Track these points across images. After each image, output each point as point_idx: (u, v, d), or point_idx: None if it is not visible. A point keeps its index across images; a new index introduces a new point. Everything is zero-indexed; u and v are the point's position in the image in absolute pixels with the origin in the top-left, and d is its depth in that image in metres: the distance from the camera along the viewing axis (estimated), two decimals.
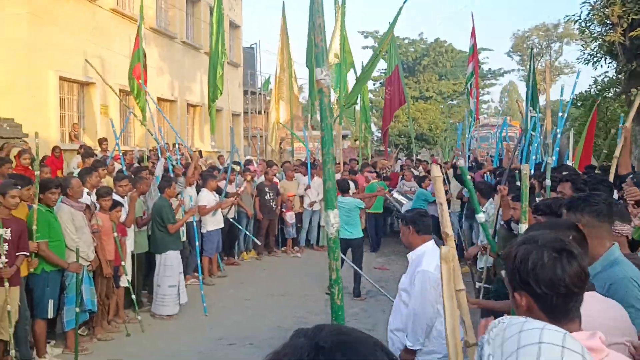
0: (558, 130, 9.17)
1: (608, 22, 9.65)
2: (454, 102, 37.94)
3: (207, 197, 8.89)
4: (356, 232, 8.43)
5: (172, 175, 8.35)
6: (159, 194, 7.48)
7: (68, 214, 5.81)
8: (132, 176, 7.68)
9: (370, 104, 22.73)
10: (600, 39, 10.20)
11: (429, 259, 3.60)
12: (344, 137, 26.06)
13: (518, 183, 5.99)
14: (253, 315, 7.33)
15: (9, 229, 5.19)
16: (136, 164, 10.26)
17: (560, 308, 1.48)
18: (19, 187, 5.36)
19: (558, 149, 9.32)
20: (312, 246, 11.70)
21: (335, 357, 0.86)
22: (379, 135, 34.52)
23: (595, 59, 11.20)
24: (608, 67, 11.94)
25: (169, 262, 7.15)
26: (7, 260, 5.09)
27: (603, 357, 1.38)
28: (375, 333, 6.62)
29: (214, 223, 9.04)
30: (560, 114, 8.50)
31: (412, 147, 17.10)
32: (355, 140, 29.89)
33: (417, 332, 3.54)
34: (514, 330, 1.19)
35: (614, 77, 11.72)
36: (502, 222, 5.76)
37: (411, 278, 3.67)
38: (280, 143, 29.22)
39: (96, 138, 13.43)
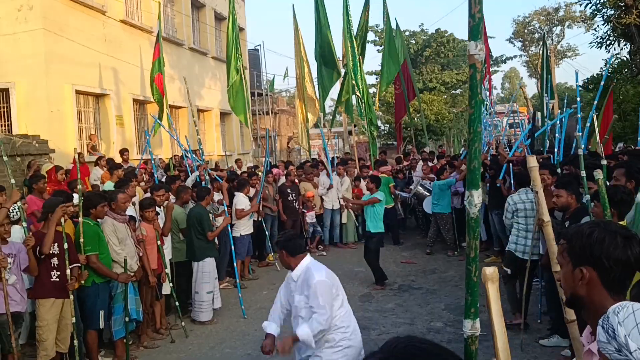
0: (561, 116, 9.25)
1: (622, 4, 9.67)
2: (457, 91, 37.93)
3: (243, 202, 9.04)
4: (373, 227, 8.62)
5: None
6: (196, 203, 7.56)
7: (111, 227, 5.93)
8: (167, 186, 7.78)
9: (373, 98, 22.80)
10: (614, 22, 10.24)
11: (316, 270, 3.84)
12: (350, 132, 26.15)
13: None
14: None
15: (56, 244, 5.32)
16: (160, 172, 10.36)
17: (619, 282, 1.73)
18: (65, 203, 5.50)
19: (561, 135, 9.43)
20: (337, 244, 11.80)
21: None
22: (385, 129, 34.64)
23: (607, 41, 11.22)
24: (622, 49, 11.98)
25: (207, 269, 7.26)
26: (58, 273, 5.23)
27: None
28: (415, 327, 6.74)
29: (246, 228, 9.20)
30: (578, 99, 8.57)
31: (425, 139, 17.11)
32: (361, 135, 29.99)
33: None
34: None
35: (627, 59, 11.75)
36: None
37: (310, 292, 3.77)
38: (288, 142, 29.38)
39: (112, 149, 13.58)
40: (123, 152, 11.88)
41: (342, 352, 3.90)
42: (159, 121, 11.35)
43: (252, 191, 9.83)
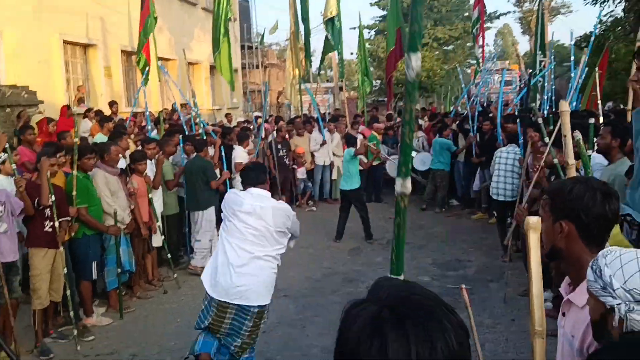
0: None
1: None
2: (450, 47, 37.55)
3: (243, 155, 9.15)
4: (350, 184, 8.79)
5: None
6: (195, 154, 7.69)
7: (103, 179, 5.95)
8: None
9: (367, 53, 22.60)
10: None
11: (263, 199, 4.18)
12: (340, 88, 25.95)
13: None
14: (281, 268, 7.54)
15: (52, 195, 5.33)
16: (151, 125, 10.28)
17: (597, 237, 1.84)
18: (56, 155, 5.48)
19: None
20: (326, 200, 11.91)
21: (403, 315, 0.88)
22: (376, 85, 34.38)
23: None
24: (616, 7, 11.91)
25: (212, 217, 7.46)
26: (52, 224, 5.26)
27: None
28: (405, 278, 6.88)
29: None
30: (572, 59, 8.61)
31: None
32: (352, 92, 29.80)
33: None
34: (631, 256, 1.44)
35: (621, 17, 11.69)
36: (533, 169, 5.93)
37: (288, 223, 4.18)
38: (278, 97, 29.15)
39: (100, 100, 13.41)
40: (112, 104, 11.76)
41: None
42: (167, 74, 10.97)
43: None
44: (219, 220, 5.76)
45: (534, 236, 1.89)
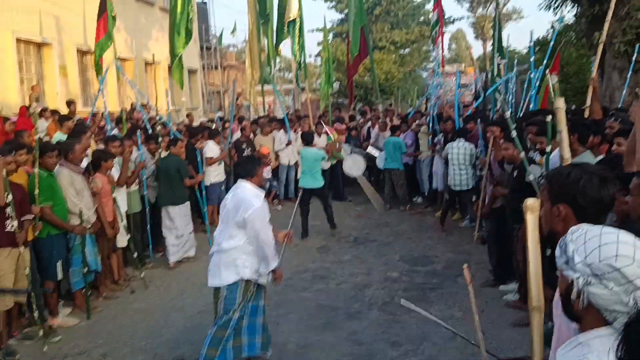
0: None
1: None
2: (406, 51, 38.12)
3: (214, 149, 9.33)
4: (318, 182, 8.98)
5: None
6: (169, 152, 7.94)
7: (68, 178, 5.78)
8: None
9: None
10: None
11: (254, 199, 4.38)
12: (302, 89, 25.99)
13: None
14: None
15: (10, 195, 5.14)
16: (111, 125, 10.05)
17: (593, 220, 1.84)
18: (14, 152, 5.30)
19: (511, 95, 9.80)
20: (291, 199, 11.89)
21: None
22: (336, 87, 34.56)
23: (556, 4, 11.56)
24: (569, 12, 12.38)
25: (186, 212, 7.77)
26: (14, 223, 5.07)
27: None
28: (372, 277, 6.96)
29: (217, 175, 9.48)
30: (532, 59, 8.90)
31: (378, 97, 17.24)
32: (310, 94, 29.84)
33: (274, 256, 4.44)
34: (595, 232, 1.48)
35: (573, 23, 12.16)
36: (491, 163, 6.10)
37: (243, 215, 4.28)
38: (237, 98, 28.95)
39: (57, 100, 13.04)
40: (70, 103, 11.44)
41: None
42: (125, 74, 10.75)
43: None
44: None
45: (531, 217, 1.94)
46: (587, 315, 1.52)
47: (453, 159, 8.45)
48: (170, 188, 7.63)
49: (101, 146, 7.51)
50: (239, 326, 4.46)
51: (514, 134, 5.04)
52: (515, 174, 5.63)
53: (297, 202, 6.45)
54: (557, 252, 1.56)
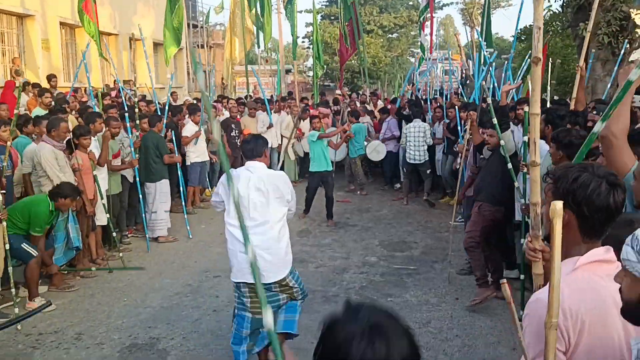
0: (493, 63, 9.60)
1: None
2: (394, 35, 37.96)
3: (191, 129, 9.23)
4: (321, 165, 8.91)
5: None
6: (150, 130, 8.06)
7: (51, 153, 5.73)
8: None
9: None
10: None
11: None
12: (287, 71, 25.84)
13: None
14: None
15: None
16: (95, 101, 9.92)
17: (596, 229, 1.78)
18: None
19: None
20: None
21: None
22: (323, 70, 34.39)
23: None
24: (555, 1, 12.40)
25: (165, 189, 7.93)
26: None
27: (614, 267, 1.66)
28: (350, 261, 7.02)
29: (197, 155, 9.40)
30: (512, 52, 8.98)
31: (367, 81, 17.22)
32: (298, 75, 29.67)
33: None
34: None
35: (558, 12, 12.15)
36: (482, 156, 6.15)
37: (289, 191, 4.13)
38: (222, 78, 28.72)
39: (38, 74, 12.82)
40: (51, 78, 11.26)
41: None
42: (103, 55, 10.59)
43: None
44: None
45: (559, 222, 1.61)
46: None
47: (410, 138, 9.72)
48: (148, 165, 7.77)
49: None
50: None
51: (494, 120, 5.07)
52: (492, 159, 5.71)
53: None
54: (631, 255, 1.39)
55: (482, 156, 6.23)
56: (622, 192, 1.77)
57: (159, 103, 8.86)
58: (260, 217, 3.95)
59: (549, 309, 1.56)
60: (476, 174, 6.36)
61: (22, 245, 5.41)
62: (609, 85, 9.05)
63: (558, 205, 1.45)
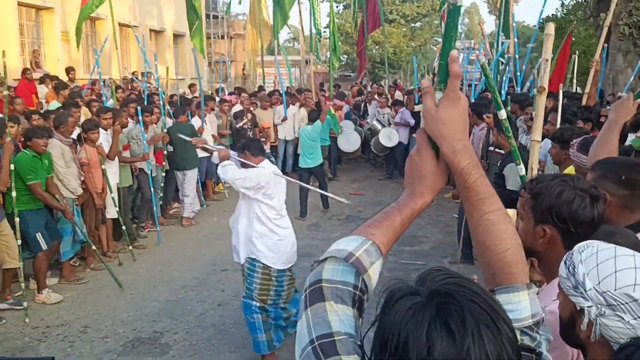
0: (517, 56, 9.39)
1: None
2: (417, 24, 37.53)
3: (196, 123, 9.16)
4: (316, 160, 8.97)
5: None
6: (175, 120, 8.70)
7: (59, 149, 5.79)
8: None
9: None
10: None
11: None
12: (307, 62, 25.74)
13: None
14: None
15: None
16: (109, 93, 10.03)
17: (579, 241, 1.66)
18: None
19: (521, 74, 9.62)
20: (288, 174, 11.87)
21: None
22: (343, 60, 34.22)
23: None
24: None
25: (194, 177, 8.61)
26: None
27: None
28: None
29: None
30: (532, 44, 8.77)
31: (386, 71, 17.07)
32: (318, 65, 29.58)
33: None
34: (608, 254, 1.29)
35: (582, 1, 11.89)
36: (492, 147, 6.02)
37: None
38: (244, 69, 28.77)
39: (57, 66, 12.99)
40: (69, 70, 11.41)
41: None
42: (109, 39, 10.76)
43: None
44: None
45: None
46: (592, 348, 1.34)
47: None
48: (185, 152, 8.26)
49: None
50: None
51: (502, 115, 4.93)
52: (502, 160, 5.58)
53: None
54: (563, 272, 1.37)
55: (493, 149, 6.10)
56: (604, 203, 1.74)
57: (163, 96, 8.86)
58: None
59: None
60: (486, 168, 6.25)
61: (37, 234, 5.50)
62: (631, 78, 8.82)
63: (510, 212, 1.39)
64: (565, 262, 1.37)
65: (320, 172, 9.16)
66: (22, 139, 5.65)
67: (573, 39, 14.57)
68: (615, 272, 1.25)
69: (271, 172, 4.39)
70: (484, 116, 6.21)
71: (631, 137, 4.50)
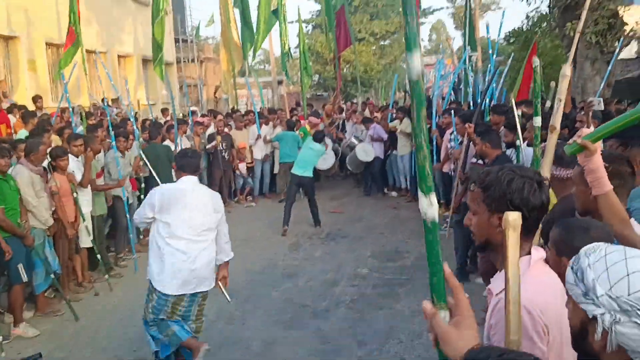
0: (490, 67, 9.53)
1: None
2: (386, 42, 37.97)
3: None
4: (309, 172, 9.03)
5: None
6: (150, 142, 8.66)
7: (28, 178, 5.61)
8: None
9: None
10: None
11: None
12: (279, 82, 25.81)
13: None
14: None
15: None
16: (78, 120, 9.84)
17: (532, 228, 1.83)
18: None
19: (494, 85, 9.73)
20: (265, 194, 11.79)
21: None
22: (315, 80, 34.40)
23: None
24: (542, 2, 12.40)
25: None
26: None
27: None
28: (341, 274, 6.90)
29: None
30: (491, 53, 8.93)
31: (358, 89, 17.25)
32: (291, 86, 29.68)
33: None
34: (618, 257, 1.24)
35: (546, 13, 12.18)
36: (474, 160, 6.02)
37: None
38: (215, 92, 28.69)
39: (25, 95, 12.74)
40: (36, 99, 11.20)
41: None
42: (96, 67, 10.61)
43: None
44: None
45: (514, 235, 1.46)
46: (609, 357, 1.25)
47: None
48: (167, 174, 7.94)
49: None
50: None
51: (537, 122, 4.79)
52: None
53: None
54: (570, 278, 1.30)
55: (475, 160, 6.10)
56: (547, 189, 1.83)
57: (135, 120, 8.78)
58: (200, 236, 4.32)
59: (507, 325, 1.42)
60: (464, 180, 6.25)
61: (19, 265, 5.33)
62: (601, 85, 9.01)
63: (513, 215, 1.36)
64: (572, 268, 1.31)
65: (310, 186, 9.11)
66: None
67: (539, 50, 14.94)
68: (628, 275, 1.19)
69: (173, 187, 4.41)
70: (466, 125, 6.23)
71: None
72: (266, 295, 6.27)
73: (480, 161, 5.88)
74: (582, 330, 1.29)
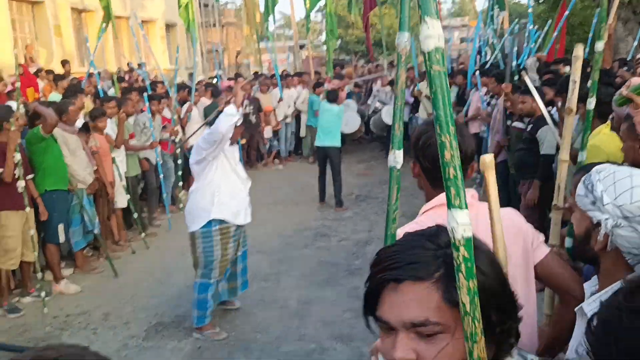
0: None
1: None
2: (410, 3, 37.22)
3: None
4: (333, 140, 8.35)
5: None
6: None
7: (60, 138, 5.66)
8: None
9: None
10: None
11: None
12: (301, 47, 25.55)
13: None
14: (253, 225, 7.46)
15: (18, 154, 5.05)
16: (107, 84, 9.88)
17: (438, 179, 1.72)
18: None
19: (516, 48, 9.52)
20: (287, 158, 11.82)
21: None
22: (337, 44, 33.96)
23: None
24: None
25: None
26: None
27: (476, 211, 1.68)
28: (373, 233, 6.94)
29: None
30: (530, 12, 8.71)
31: (384, 52, 17.02)
32: (312, 50, 29.35)
33: None
34: (625, 173, 1.43)
35: None
36: (509, 122, 5.93)
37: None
38: (237, 56, 28.55)
39: (52, 60, 12.83)
40: (64, 63, 11.25)
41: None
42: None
43: None
44: None
45: (492, 174, 1.48)
46: (606, 259, 1.48)
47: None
48: None
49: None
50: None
51: (530, 83, 4.66)
52: (528, 128, 5.39)
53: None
54: (581, 191, 1.49)
55: (512, 123, 5.99)
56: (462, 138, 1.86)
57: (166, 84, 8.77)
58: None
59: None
60: (507, 145, 6.14)
61: (60, 225, 5.48)
62: (635, 44, 8.75)
63: (488, 158, 1.45)
64: (584, 182, 1.50)
65: (336, 158, 8.29)
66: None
67: (568, 12, 14.51)
68: (632, 187, 1.39)
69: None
70: (502, 86, 6.10)
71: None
72: (299, 256, 6.33)
73: (516, 125, 5.77)
74: (585, 235, 1.50)
